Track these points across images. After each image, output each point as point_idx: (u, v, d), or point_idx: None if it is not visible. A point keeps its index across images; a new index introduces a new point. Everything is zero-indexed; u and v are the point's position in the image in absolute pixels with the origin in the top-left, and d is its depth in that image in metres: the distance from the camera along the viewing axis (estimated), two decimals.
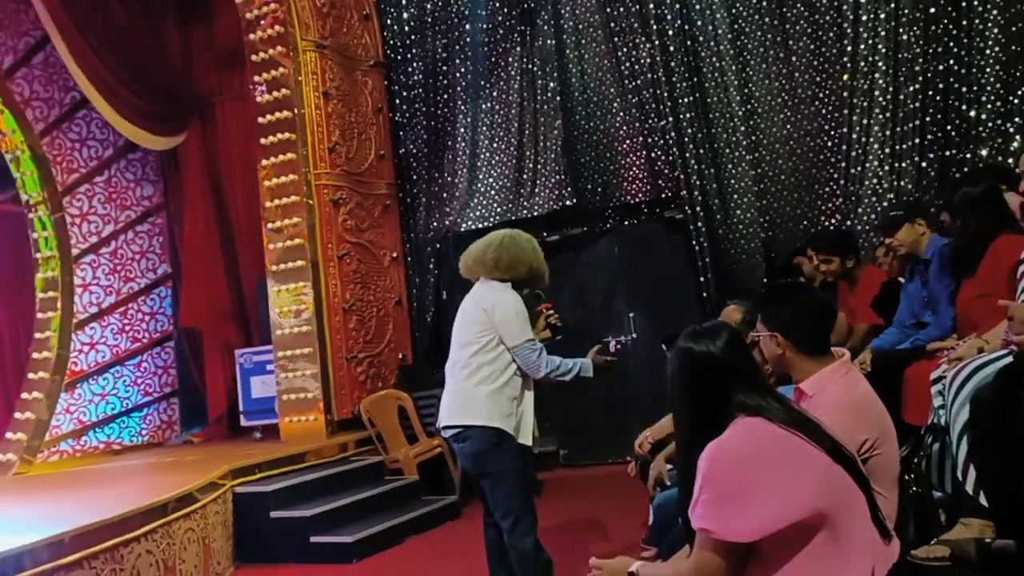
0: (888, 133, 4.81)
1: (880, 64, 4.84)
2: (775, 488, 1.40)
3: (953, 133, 4.73)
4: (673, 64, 5.51)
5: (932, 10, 4.76)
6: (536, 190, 6.34)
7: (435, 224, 6.61)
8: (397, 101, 6.75)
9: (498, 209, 6.40)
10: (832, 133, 5.27)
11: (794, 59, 5.42)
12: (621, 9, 5.73)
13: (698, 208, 5.47)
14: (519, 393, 2.88)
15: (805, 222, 5.42)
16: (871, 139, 4.86)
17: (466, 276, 3.06)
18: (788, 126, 5.44)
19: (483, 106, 6.48)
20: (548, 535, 3.02)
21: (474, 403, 2.82)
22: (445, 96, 6.65)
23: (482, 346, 2.84)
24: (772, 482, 1.41)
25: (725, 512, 1.41)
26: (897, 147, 4.79)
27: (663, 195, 5.95)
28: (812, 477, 1.42)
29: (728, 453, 1.44)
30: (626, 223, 6.28)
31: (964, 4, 4.69)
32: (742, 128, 5.49)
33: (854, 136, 4.96)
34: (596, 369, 2.94)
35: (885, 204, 4.71)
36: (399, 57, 6.74)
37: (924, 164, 4.75)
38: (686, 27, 5.53)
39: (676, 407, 1.62)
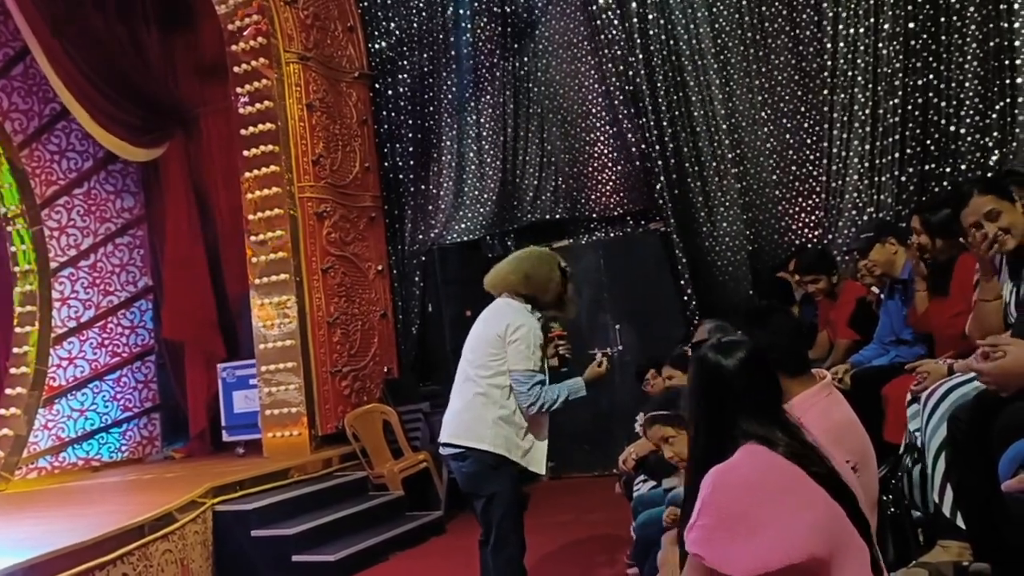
0: (868, 147, 4.85)
1: (859, 79, 4.87)
2: (774, 522, 1.36)
3: (932, 148, 4.77)
4: (657, 77, 5.53)
5: (911, 25, 4.81)
6: (521, 203, 6.35)
7: (421, 236, 6.59)
8: (383, 113, 6.74)
9: (484, 222, 6.39)
10: (814, 147, 5.30)
11: (776, 73, 5.46)
12: (605, 23, 5.76)
13: (682, 221, 5.48)
14: (529, 422, 2.81)
15: (790, 234, 5.45)
16: (851, 153, 4.89)
17: (490, 291, 3.00)
18: (772, 139, 5.47)
19: (469, 119, 6.48)
20: (533, 550, 3.00)
21: (480, 426, 2.76)
22: (431, 108, 6.65)
23: (494, 372, 2.78)
24: (772, 516, 1.37)
25: (720, 539, 1.37)
26: (877, 161, 4.82)
27: (648, 207, 5.96)
28: (812, 517, 1.38)
29: (732, 479, 1.41)
30: (611, 235, 6.28)
31: (943, 19, 4.74)
32: (726, 141, 5.50)
33: (834, 150, 4.99)
34: (588, 383, 2.88)
35: (865, 218, 4.75)
36: (384, 69, 6.73)
37: (904, 178, 4.79)
38: (670, 41, 5.56)
39: (692, 419, 1.58)
